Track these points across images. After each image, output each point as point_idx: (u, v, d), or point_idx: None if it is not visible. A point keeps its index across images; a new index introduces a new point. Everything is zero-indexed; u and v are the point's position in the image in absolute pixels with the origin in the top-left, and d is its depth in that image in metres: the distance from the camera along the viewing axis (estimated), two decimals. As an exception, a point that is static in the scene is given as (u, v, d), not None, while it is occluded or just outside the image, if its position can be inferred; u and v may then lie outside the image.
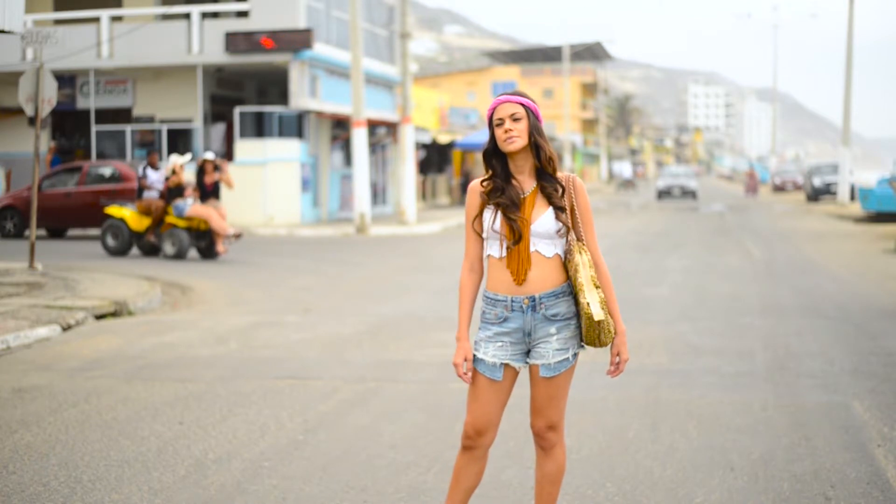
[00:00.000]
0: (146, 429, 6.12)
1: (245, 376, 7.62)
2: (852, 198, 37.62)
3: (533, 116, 3.75)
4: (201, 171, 17.16)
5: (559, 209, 3.72)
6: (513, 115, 3.71)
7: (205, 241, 16.84)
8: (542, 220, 3.71)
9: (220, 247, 16.71)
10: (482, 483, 4.84)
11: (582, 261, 3.72)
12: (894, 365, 8.08)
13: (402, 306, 11.65)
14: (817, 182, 42.15)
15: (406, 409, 6.62)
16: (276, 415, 6.46)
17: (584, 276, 3.70)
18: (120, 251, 17.25)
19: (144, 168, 17.90)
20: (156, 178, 17.68)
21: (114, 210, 17.48)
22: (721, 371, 7.85)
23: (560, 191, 3.75)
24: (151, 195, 17.51)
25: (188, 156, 18.18)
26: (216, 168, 17.24)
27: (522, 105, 3.73)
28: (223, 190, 20.18)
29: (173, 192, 16.71)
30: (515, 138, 3.70)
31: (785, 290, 13.05)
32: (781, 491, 5.01)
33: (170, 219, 16.78)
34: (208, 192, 17.14)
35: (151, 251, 17.32)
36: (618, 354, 3.79)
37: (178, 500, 4.85)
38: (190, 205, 16.58)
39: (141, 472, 5.28)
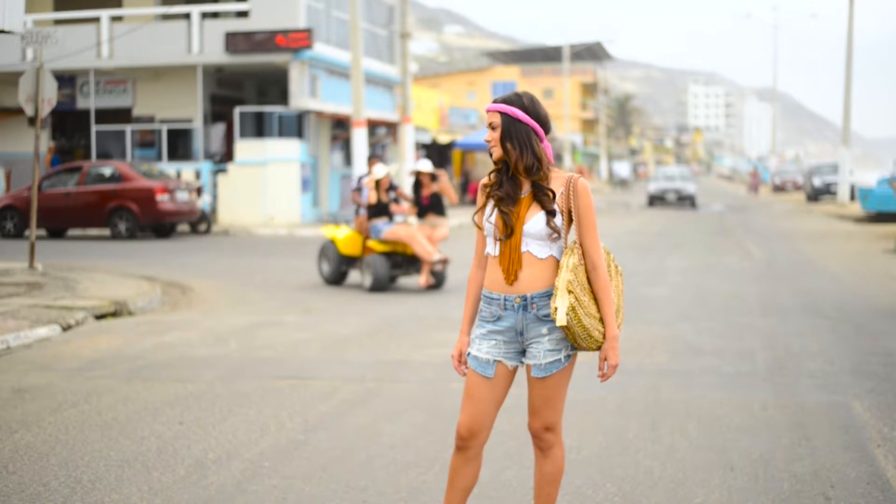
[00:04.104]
0: (146, 429, 6.12)
1: (245, 376, 7.63)
2: (852, 198, 37.61)
3: (508, 121, 3.70)
4: (417, 184, 14.22)
5: (550, 213, 3.70)
6: (491, 123, 3.75)
7: (415, 268, 13.55)
8: (534, 222, 3.70)
9: (422, 278, 13.16)
10: (482, 483, 4.85)
11: (567, 264, 3.68)
12: (894, 365, 8.08)
13: (402, 306, 11.65)
14: (817, 182, 42.15)
15: (406, 409, 6.62)
16: (276, 415, 6.46)
17: (561, 280, 3.66)
18: (332, 279, 13.81)
19: (360, 179, 14.52)
20: None
21: (328, 229, 14.46)
22: (721, 371, 7.85)
23: (551, 195, 3.72)
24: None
25: (391, 167, 14.77)
26: (433, 178, 14.11)
27: (499, 112, 3.72)
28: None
29: (373, 210, 13.46)
30: (493, 148, 3.75)
31: (785, 290, 13.05)
32: (781, 491, 5.01)
33: (370, 243, 13.47)
34: (426, 206, 13.97)
35: None
36: (605, 359, 3.75)
37: (178, 500, 4.85)
38: (395, 224, 13.52)
39: (141, 472, 5.28)
